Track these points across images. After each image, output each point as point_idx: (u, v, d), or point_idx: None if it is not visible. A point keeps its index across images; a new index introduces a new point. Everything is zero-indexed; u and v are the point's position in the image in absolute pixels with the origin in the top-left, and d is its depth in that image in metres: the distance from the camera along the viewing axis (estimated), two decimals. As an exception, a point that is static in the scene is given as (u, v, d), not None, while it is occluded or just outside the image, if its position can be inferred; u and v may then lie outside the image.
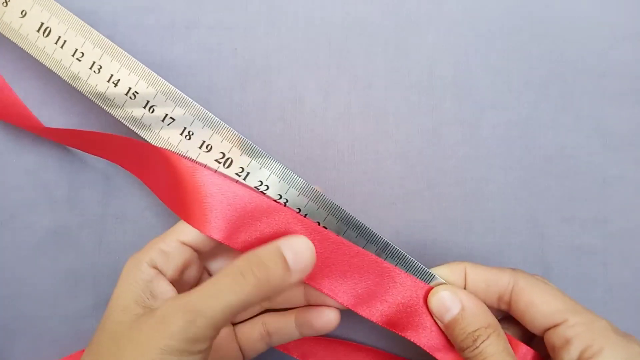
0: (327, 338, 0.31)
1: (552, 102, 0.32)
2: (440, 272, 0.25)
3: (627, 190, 0.31)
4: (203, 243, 0.24)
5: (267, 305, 0.28)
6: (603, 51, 0.32)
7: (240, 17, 0.32)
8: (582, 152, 0.31)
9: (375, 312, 0.25)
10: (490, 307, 0.25)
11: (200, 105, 0.27)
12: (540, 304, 0.24)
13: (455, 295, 0.24)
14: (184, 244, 0.24)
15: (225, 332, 0.27)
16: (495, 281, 0.25)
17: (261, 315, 0.27)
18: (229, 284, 0.21)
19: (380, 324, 0.25)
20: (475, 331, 0.23)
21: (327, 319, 0.25)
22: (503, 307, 0.25)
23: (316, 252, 0.23)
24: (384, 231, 0.27)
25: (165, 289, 0.23)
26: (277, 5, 0.32)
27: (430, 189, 0.31)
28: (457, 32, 0.32)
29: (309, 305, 0.27)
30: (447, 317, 0.24)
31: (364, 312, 0.25)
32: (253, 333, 0.27)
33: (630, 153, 0.31)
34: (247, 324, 0.27)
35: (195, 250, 0.25)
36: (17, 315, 0.31)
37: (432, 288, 0.25)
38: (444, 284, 0.25)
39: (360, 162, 0.31)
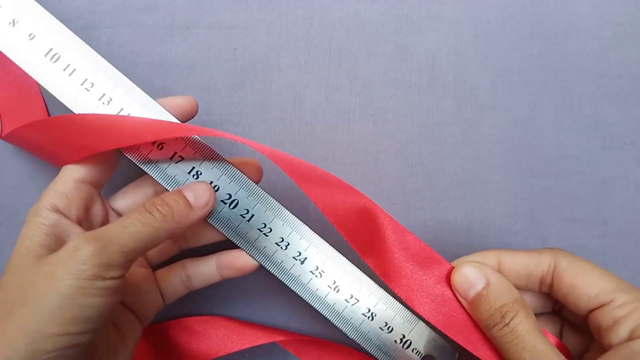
0: (324, 340, 0.31)
1: (552, 102, 0.32)
2: (475, 258, 0.24)
3: (627, 191, 0.31)
4: (97, 176, 0.25)
5: (184, 245, 0.28)
6: (603, 51, 0.32)
7: (240, 17, 0.32)
8: (582, 152, 0.31)
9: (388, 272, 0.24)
10: (531, 292, 0.24)
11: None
12: (584, 286, 0.22)
13: (480, 270, 0.23)
14: (80, 181, 0.25)
15: (144, 274, 0.27)
16: (535, 265, 0.24)
17: (182, 260, 0.28)
18: (137, 218, 0.22)
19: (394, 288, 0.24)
20: (502, 306, 0.22)
21: (247, 258, 0.26)
22: (544, 290, 0.24)
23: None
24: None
25: (73, 230, 0.23)
26: (276, 5, 0.32)
27: (430, 189, 0.31)
28: (457, 32, 0.32)
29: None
30: (472, 293, 0.23)
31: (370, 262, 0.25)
32: (173, 276, 0.27)
33: (630, 153, 0.31)
34: (167, 267, 0.28)
35: (93, 185, 0.25)
36: (17, 315, 0.31)
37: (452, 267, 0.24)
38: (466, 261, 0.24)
39: (360, 162, 0.31)
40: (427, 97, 0.32)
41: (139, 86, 0.26)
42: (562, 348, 0.24)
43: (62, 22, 0.31)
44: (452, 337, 0.24)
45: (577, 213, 0.31)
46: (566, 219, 0.31)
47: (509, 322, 0.22)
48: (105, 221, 0.26)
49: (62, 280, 0.20)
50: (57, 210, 0.23)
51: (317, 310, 0.26)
